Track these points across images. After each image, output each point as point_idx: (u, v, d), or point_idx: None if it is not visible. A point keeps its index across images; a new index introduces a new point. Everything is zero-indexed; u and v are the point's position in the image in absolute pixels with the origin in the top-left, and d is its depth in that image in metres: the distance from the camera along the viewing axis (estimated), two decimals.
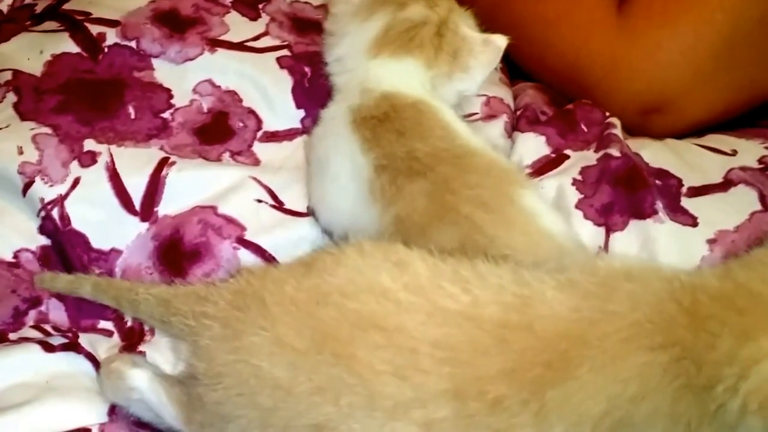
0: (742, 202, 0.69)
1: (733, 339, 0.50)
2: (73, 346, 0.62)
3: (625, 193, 0.68)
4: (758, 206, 0.69)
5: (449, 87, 0.70)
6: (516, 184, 0.64)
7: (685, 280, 0.53)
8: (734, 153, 0.74)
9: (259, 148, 0.72)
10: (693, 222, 0.67)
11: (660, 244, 0.66)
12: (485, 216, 0.61)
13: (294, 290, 0.54)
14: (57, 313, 0.64)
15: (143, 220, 0.66)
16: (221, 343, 0.55)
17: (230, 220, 0.67)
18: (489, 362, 0.50)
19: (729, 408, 0.49)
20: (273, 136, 0.72)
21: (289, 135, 0.73)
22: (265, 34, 0.76)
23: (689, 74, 0.75)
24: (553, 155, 0.73)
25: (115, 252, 0.66)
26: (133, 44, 0.73)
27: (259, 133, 0.72)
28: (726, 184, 0.71)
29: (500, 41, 0.70)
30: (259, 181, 0.69)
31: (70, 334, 0.63)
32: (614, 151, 0.72)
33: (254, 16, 0.77)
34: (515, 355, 0.50)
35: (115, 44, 0.73)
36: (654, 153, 0.73)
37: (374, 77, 0.68)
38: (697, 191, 0.70)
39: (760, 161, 0.73)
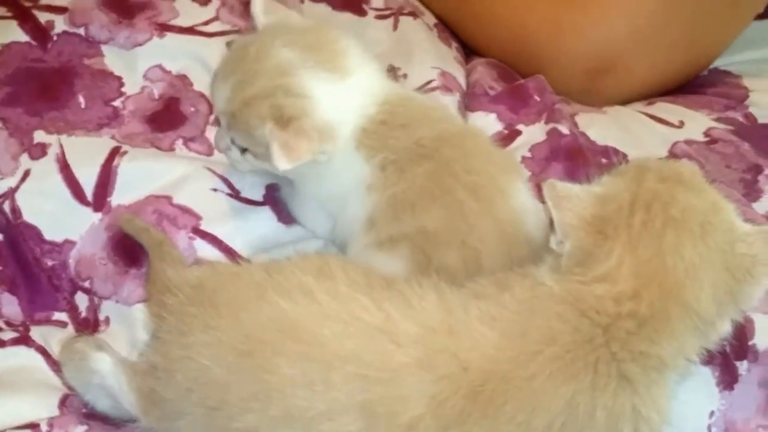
0: None
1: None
2: (23, 340, 0.58)
3: (573, 171, 0.66)
4: None
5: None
6: (511, 175, 0.60)
7: (591, 291, 0.49)
8: (681, 125, 0.71)
9: (213, 133, 0.67)
10: None
11: None
12: (474, 204, 0.58)
13: (242, 288, 0.51)
14: (10, 307, 0.61)
15: (96, 210, 0.62)
16: (175, 338, 0.52)
17: (185, 210, 0.63)
18: (404, 382, 0.47)
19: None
20: None
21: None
22: (216, 18, 0.71)
23: (630, 34, 0.72)
24: (506, 131, 0.70)
25: (69, 243, 0.62)
26: (81, 31, 0.68)
27: (212, 118, 0.68)
28: (670, 158, 0.67)
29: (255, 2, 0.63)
30: (213, 171, 0.65)
31: (21, 328, 0.60)
32: (563, 128, 0.68)
33: (204, 1, 0.72)
34: (437, 381, 0.47)
35: (64, 32, 0.68)
36: (601, 130, 0.70)
37: (362, 91, 0.61)
38: None
39: (705, 134, 0.70)
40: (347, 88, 0.60)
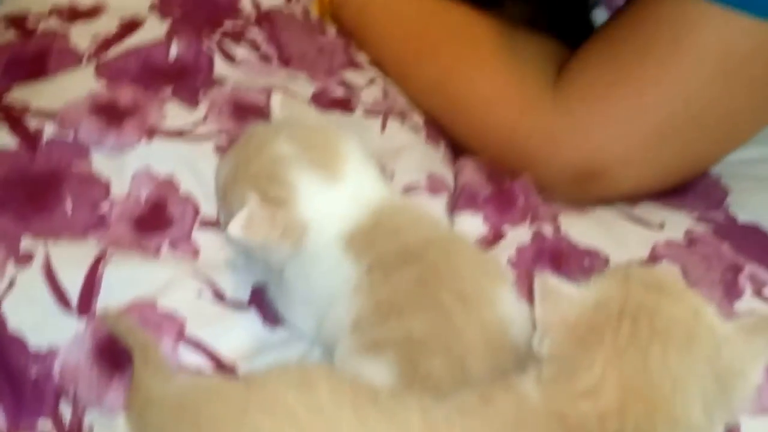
0: None
1: None
2: None
3: (557, 274, 0.65)
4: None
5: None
6: (498, 282, 0.60)
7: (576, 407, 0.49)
8: (662, 226, 0.72)
9: (198, 236, 0.67)
10: None
11: None
12: (461, 311, 0.57)
13: (223, 407, 0.50)
14: None
15: (81, 317, 0.62)
16: None
17: (169, 315, 0.62)
18: None
19: None
20: (212, 224, 0.68)
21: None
22: (204, 121, 0.72)
23: (622, 151, 0.73)
24: (492, 233, 0.70)
25: (53, 352, 0.61)
26: (71, 135, 0.68)
27: (198, 220, 0.68)
28: (651, 260, 0.68)
29: (276, 98, 0.66)
30: (198, 274, 0.65)
31: None
32: (547, 230, 0.69)
33: (194, 104, 0.73)
34: None
35: (54, 136, 0.68)
36: (583, 231, 0.70)
37: (354, 195, 0.61)
38: None
39: (686, 235, 0.71)
40: (337, 193, 0.61)
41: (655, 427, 0.48)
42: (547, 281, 0.51)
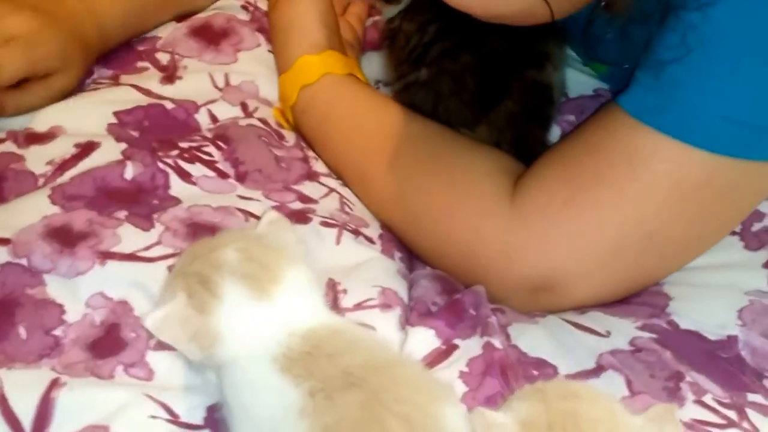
0: (611, 387, 0.66)
1: None
2: None
3: (506, 385, 0.66)
4: (626, 392, 0.67)
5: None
6: (442, 401, 0.59)
7: None
8: (608, 334, 0.72)
9: (153, 358, 0.66)
10: None
11: None
12: None
13: None
14: None
15: None
16: None
17: None
18: None
19: None
20: (165, 346, 0.66)
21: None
22: (158, 243, 0.72)
23: (576, 267, 0.74)
24: (444, 347, 0.69)
25: None
26: (24, 261, 0.68)
27: (152, 342, 0.66)
28: (598, 370, 0.68)
29: (271, 214, 0.66)
30: (152, 397, 0.63)
31: None
32: (496, 342, 0.69)
33: (148, 227, 0.73)
34: None
35: (7, 263, 0.68)
36: (532, 341, 0.71)
37: (287, 318, 0.61)
38: (571, 378, 0.67)
39: (631, 342, 0.72)
40: (262, 313, 0.61)
41: None
42: (484, 414, 0.53)
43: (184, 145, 0.83)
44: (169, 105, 0.87)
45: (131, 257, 0.70)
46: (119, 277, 0.68)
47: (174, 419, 0.63)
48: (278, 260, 0.63)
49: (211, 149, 0.83)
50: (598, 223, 0.72)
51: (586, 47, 0.93)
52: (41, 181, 0.76)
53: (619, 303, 0.77)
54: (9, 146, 0.80)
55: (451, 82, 0.86)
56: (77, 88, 0.87)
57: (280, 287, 0.61)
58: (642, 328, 0.73)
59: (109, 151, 0.80)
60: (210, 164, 0.82)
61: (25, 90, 0.82)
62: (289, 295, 0.62)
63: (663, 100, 0.69)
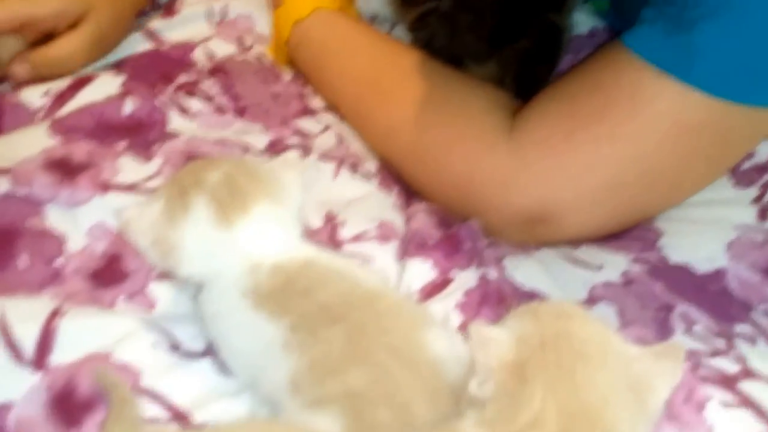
0: (602, 319, 0.66)
1: None
2: None
3: (502, 315, 0.66)
4: (617, 323, 0.68)
5: (294, 210, 0.65)
6: (424, 327, 0.60)
7: None
8: (600, 267, 0.73)
9: (154, 289, 0.66)
10: None
11: None
12: (395, 363, 0.57)
13: None
14: None
15: (36, 370, 0.60)
16: None
17: (125, 367, 0.61)
18: None
19: None
20: (165, 276, 0.67)
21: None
22: (158, 174, 0.71)
23: (572, 199, 0.74)
24: (440, 279, 0.70)
25: (7, 407, 0.59)
26: (24, 192, 0.67)
27: (153, 273, 0.66)
28: (590, 301, 0.69)
29: (291, 155, 0.67)
30: (154, 325, 0.63)
31: None
32: (492, 274, 0.70)
33: (147, 157, 0.72)
34: None
35: (6, 193, 0.67)
36: (527, 273, 0.71)
37: (250, 250, 0.61)
38: None
39: (623, 275, 0.72)
40: (221, 241, 0.62)
41: None
42: (480, 330, 0.53)
43: (182, 80, 0.82)
44: (166, 43, 0.86)
45: (132, 188, 0.69)
46: (120, 208, 0.68)
47: (175, 348, 0.64)
48: (256, 193, 0.63)
49: (208, 85, 0.83)
50: (596, 158, 0.72)
51: None
52: (40, 114, 0.75)
53: (611, 238, 0.77)
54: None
55: (471, 16, 0.85)
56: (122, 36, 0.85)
57: (243, 218, 0.62)
58: (634, 261, 0.74)
59: (106, 84, 0.79)
60: (208, 99, 0.81)
61: (54, 44, 0.79)
62: (251, 227, 0.62)
63: (668, 41, 0.68)
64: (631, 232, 0.78)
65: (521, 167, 0.74)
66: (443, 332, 0.62)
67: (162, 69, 0.83)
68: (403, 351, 0.58)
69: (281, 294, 0.60)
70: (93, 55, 0.81)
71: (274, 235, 0.63)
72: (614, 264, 0.73)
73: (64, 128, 0.73)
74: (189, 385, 0.62)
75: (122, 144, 0.73)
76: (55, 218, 0.67)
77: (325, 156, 0.78)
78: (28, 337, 0.61)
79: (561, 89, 0.77)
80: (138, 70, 0.81)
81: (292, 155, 0.66)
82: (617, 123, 0.71)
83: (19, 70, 0.78)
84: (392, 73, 0.83)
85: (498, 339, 0.52)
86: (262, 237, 0.62)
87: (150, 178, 0.71)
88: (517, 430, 0.50)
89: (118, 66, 0.82)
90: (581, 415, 0.50)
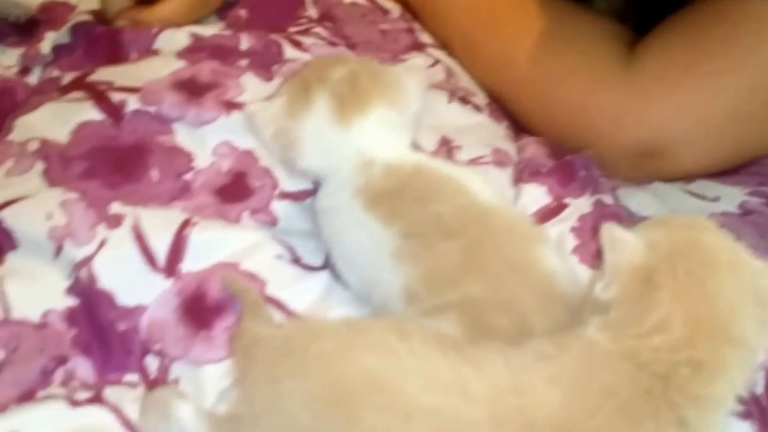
0: None
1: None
2: (97, 400, 0.57)
3: None
4: None
5: (410, 117, 0.66)
6: (539, 243, 0.60)
7: (643, 346, 0.50)
8: (716, 199, 0.71)
9: (277, 207, 0.67)
10: None
11: None
12: (512, 275, 0.58)
13: (329, 343, 0.51)
14: (84, 369, 0.59)
15: (168, 276, 0.62)
16: (264, 386, 0.51)
17: (251, 276, 0.62)
18: None
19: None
20: (288, 196, 0.68)
21: (302, 195, 0.68)
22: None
23: (688, 129, 0.72)
24: (554, 204, 0.69)
25: (141, 308, 0.61)
26: (153, 110, 0.69)
27: (276, 192, 0.68)
28: None
29: (417, 61, 0.66)
30: (277, 239, 0.65)
31: (95, 389, 0.58)
32: (607, 199, 0.69)
33: (268, 77, 0.73)
34: None
35: (137, 110, 0.69)
36: (641, 203, 0.70)
37: (364, 148, 0.63)
38: None
39: (740, 206, 0.71)
40: (338, 137, 0.63)
41: (721, 350, 0.49)
42: (613, 230, 0.53)
43: (292, 29, 0.82)
44: None
45: None
46: (245, 128, 0.69)
47: (296, 260, 0.65)
48: (376, 95, 0.64)
49: (318, 29, 0.83)
50: (717, 90, 0.71)
51: None
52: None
53: (726, 173, 0.76)
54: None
55: None
56: None
57: (361, 118, 0.63)
58: (751, 194, 0.72)
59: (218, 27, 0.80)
60: (320, 39, 0.82)
61: (157, 6, 0.80)
62: (367, 128, 0.63)
63: None
64: (747, 168, 0.76)
65: (638, 99, 0.73)
66: (555, 250, 0.62)
67: (272, 20, 0.83)
68: (518, 264, 0.58)
69: (393, 198, 0.61)
70: (193, 16, 0.81)
71: (388, 137, 0.63)
72: (730, 196, 0.72)
73: (189, 53, 0.74)
74: (309, 295, 0.63)
75: (243, 63, 0.73)
76: (183, 136, 0.68)
77: (436, 87, 0.78)
78: (160, 246, 0.63)
79: (682, 21, 0.75)
80: (248, 22, 0.82)
81: (418, 61, 0.66)
82: (742, 53, 0.69)
83: (123, 25, 0.80)
84: (505, 4, 0.82)
85: (629, 242, 0.52)
86: (376, 138, 0.63)
87: (270, 98, 0.72)
88: (643, 333, 0.50)
89: (228, 21, 0.82)
90: (709, 323, 0.49)
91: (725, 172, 0.76)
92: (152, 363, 0.61)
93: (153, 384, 0.60)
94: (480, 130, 0.76)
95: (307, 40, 0.80)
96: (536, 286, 0.58)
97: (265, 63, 0.74)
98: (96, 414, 0.57)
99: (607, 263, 0.52)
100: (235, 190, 0.67)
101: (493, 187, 0.65)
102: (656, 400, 0.48)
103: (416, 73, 0.66)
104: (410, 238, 0.59)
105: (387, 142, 0.63)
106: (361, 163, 0.62)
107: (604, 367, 0.50)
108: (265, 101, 0.66)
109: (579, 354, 0.51)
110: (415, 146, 0.68)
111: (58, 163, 0.66)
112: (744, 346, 0.50)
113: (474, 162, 0.72)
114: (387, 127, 0.64)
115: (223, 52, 0.74)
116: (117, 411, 0.58)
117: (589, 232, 0.67)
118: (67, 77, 0.74)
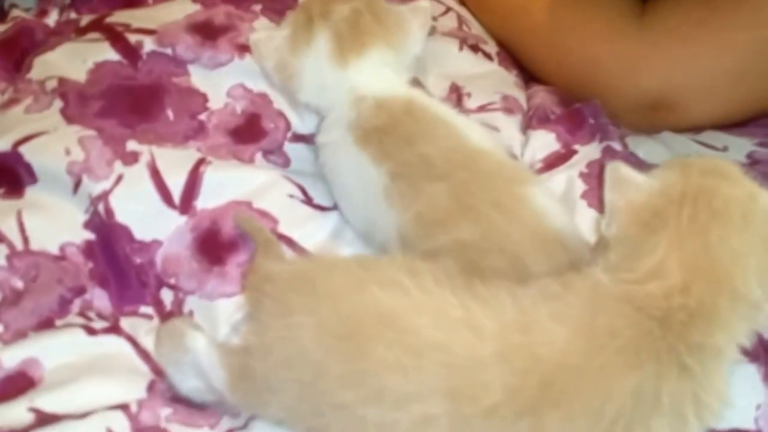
0: None
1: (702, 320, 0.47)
2: (114, 330, 0.58)
3: None
4: None
5: (409, 58, 0.65)
6: (526, 183, 0.60)
7: (643, 288, 0.49)
8: (725, 149, 0.71)
9: (289, 149, 0.68)
10: None
11: None
12: (500, 216, 0.57)
13: (341, 279, 0.52)
14: (100, 300, 0.60)
15: (182, 213, 0.62)
16: (275, 319, 0.52)
17: (264, 214, 0.63)
18: (485, 372, 0.47)
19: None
20: (301, 139, 0.68)
21: (314, 138, 0.68)
22: None
23: (700, 87, 0.72)
24: (563, 150, 0.69)
25: (156, 243, 0.61)
26: (168, 51, 0.69)
27: (289, 134, 0.68)
28: None
29: (423, 3, 0.66)
30: (290, 179, 0.65)
31: (111, 319, 0.59)
32: (616, 145, 0.69)
33: (281, 21, 0.73)
34: (514, 372, 0.47)
35: (153, 51, 0.68)
36: (649, 150, 0.70)
37: (358, 85, 0.63)
38: None
39: (748, 156, 0.70)
40: (335, 73, 0.63)
41: (717, 301, 0.48)
42: (618, 168, 0.52)
43: None
44: None
45: None
46: (258, 71, 0.69)
47: (308, 201, 0.65)
48: (376, 35, 0.63)
49: None
50: (729, 45, 0.70)
51: None
52: None
53: (736, 125, 0.75)
54: None
55: None
56: None
57: (358, 59, 0.63)
58: (759, 145, 0.71)
59: None
60: None
61: None
62: (363, 68, 0.63)
63: None
64: (756, 120, 0.75)
65: (650, 52, 0.72)
66: (545, 189, 0.61)
67: None
68: (505, 205, 0.58)
69: (382, 135, 0.60)
70: None
71: (383, 77, 0.63)
72: (738, 146, 0.71)
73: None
74: (320, 234, 0.64)
75: (257, 7, 0.73)
76: (198, 77, 0.68)
77: (447, 34, 0.78)
78: (175, 183, 0.63)
79: None
80: None
81: (424, 3, 0.65)
82: (757, 7, 0.69)
83: None
84: None
85: (634, 182, 0.51)
86: (371, 77, 0.63)
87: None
88: (638, 279, 0.49)
89: None
90: (707, 272, 0.48)
91: (734, 124, 0.75)
92: (167, 296, 0.62)
93: (168, 316, 0.61)
94: (490, 78, 0.75)
95: None
96: (526, 226, 0.57)
97: (279, 8, 0.73)
98: (112, 343, 0.58)
99: (606, 202, 0.51)
100: (249, 131, 0.67)
101: (487, 131, 0.65)
102: (657, 342, 0.48)
103: (420, 15, 0.65)
104: (398, 179, 0.59)
105: (381, 81, 0.63)
106: (354, 99, 0.62)
107: (606, 307, 0.49)
108: (270, 31, 0.66)
109: (584, 294, 0.50)
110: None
111: (75, 101, 0.66)
112: (744, 299, 0.48)
113: (483, 109, 0.72)
114: (384, 67, 0.64)
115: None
116: (133, 341, 0.58)
117: (597, 177, 0.66)
118: (85, 19, 0.73)
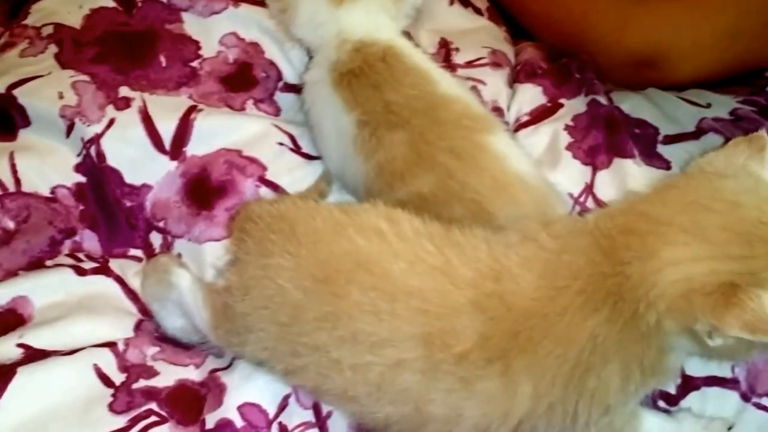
0: (712, 148, 0.63)
1: (639, 262, 0.45)
2: (103, 270, 0.56)
3: (611, 136, 0.63)
4: None
5: (409, 5, 0.63)
6: (485, 132, 0.57)
7: (602, 225, 0.48)
8: (708, 106, 0.68)
9: (280, 98, 0.65)
10: (667, 166, 0.62)
11: (637, 185, 0.59)
12: (457, 163, 0.55)
13: (321, 223, 0.50)
14: (90, 242, 0.59)
15: (173, 159, 0.60)
16: (255, 259, 0.50)
17: (253, 161, 0.60)
18: (458, 319, 0.46)
19: (650, 322, 0.45)
20: (291, 88, 0.66)
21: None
22: None
23: (687, 46, 0.69)
24: (549, 104, 0.66)
25: (146, 187, 0.59)
26: None
27: (280, 84, 0.65)
28: (698, 133, 0.65)
29: None
30: (279, 128, 0.63)
31: (101, 260, 0.58)
32: (601, 99, 0.66)
33: None
34: (485, 320, 0.46)
35: None
36: (634, 105, 0.67)
37: (346, 27, 0.60)
38: (671, 139, 0.64)
39: (731, 113, 0.67)
40: (327, 14, 0.61)
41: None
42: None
43: None
44: None
45: (262, 2, 0.67)
46: (251, 21, 0.66)
47: (296, 149, 0.63)
48: None
49: None
50: (717, 3, 0.67)
51: None
52: None
53: (719, 83, 0.72)
54: None
55: None
56: None
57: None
58: (743, 102, 0.68)
59: None
60: None
61: None
62: (355, 10, 0.60)
63: None
64: (738, 79, 0.72)
65: (639, 9, 0.69)
66: (507, 136, 0.59)
67: None
68: (464, 153, 0.55)
69: (354, 79, 0.58)
70: None
71: (372, 20, 0.61)
72: (722, 103, 0.68)
73: None
74: (307, 181, 0.62)
75: None
76: (191, 25, 0.66)
77: None
78: (166, 129, 0.61)
79: None
80: None
81: None
82: None
83: None
84: None
85: None
86: (360, 18, 0.60)
87: None
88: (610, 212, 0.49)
89: None
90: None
91: (719, 82, 0.72)
92: (156, 239, 0.60)
93: None
94: (479, 33, 0.72)
95: None
96: (485, 173, 0.55)
97: None
98: (101, 283, 0.56)
99: None
100: (241, 79, 0.65)
101: (461, 81, 0.62)
102: (608, 281, 0.46)
103: None
104: (362, 127, 0.57)
105: (369, 25, 0.60)
106: (340, 41, 0.60)
107: (574, 244, 0.48)
108: None
109: (559, 231, 0.49)
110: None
111: (70, 47, 0.63)
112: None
113: (471, 64, 0.68)
114: (378, 11, 0.61)
115: None
116: (121, 282, 0.57)
117: (583, 131, 0.64)
118: None
